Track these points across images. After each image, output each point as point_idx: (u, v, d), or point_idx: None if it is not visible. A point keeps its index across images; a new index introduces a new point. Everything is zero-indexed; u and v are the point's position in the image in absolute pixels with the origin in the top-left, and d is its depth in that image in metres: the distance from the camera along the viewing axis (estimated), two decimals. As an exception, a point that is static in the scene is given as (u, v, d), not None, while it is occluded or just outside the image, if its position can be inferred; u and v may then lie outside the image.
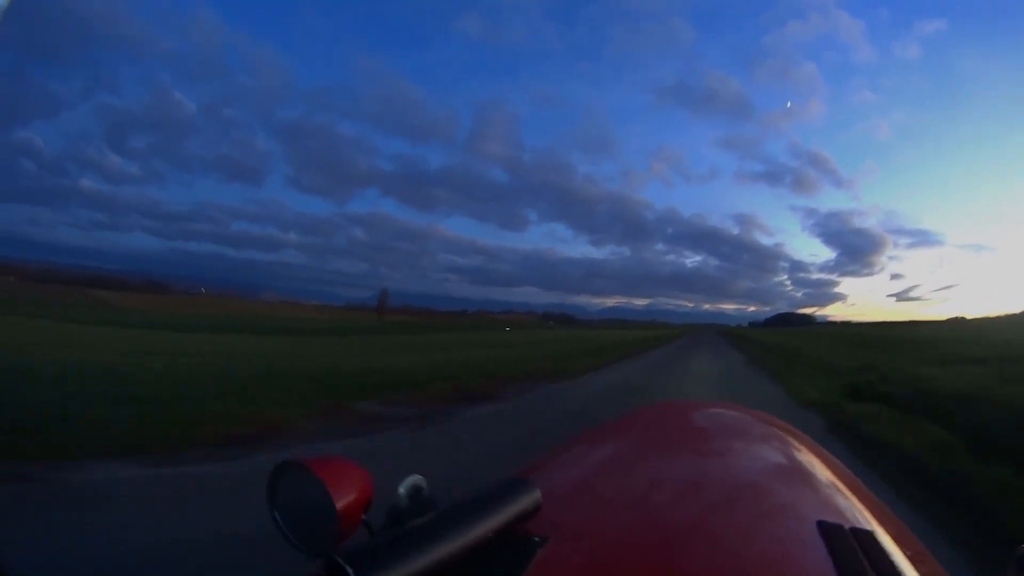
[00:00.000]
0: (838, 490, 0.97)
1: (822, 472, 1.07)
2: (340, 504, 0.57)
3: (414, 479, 0.61)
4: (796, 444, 1.24)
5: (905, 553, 0.71)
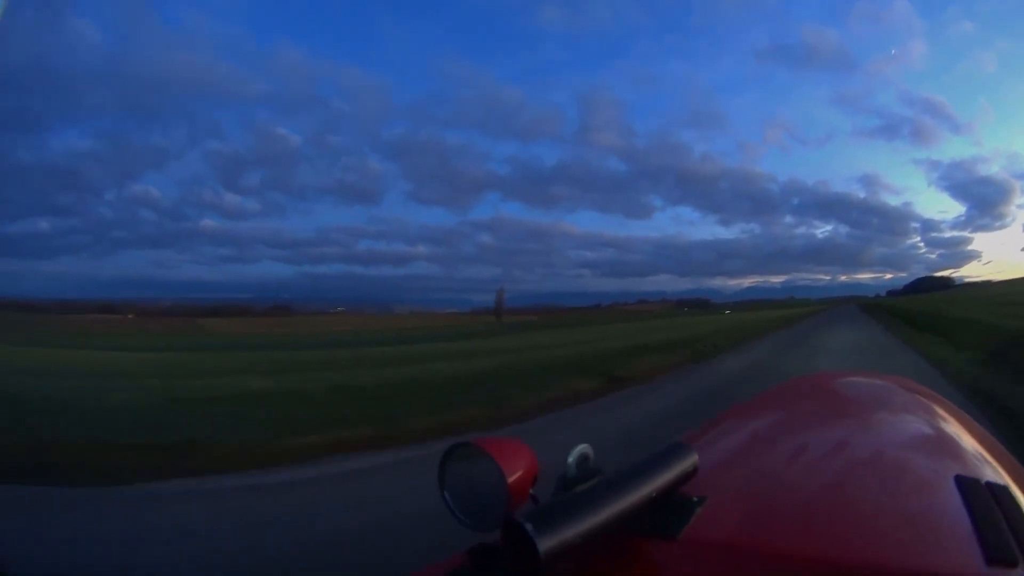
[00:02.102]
0: (975, 449, 1.00)
1: (959, 432, 1.12)
2: (511, 479, 0.63)
3: (581, 448, 0.66)
4: (935, 407, 1.29)
5: None
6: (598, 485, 0.60)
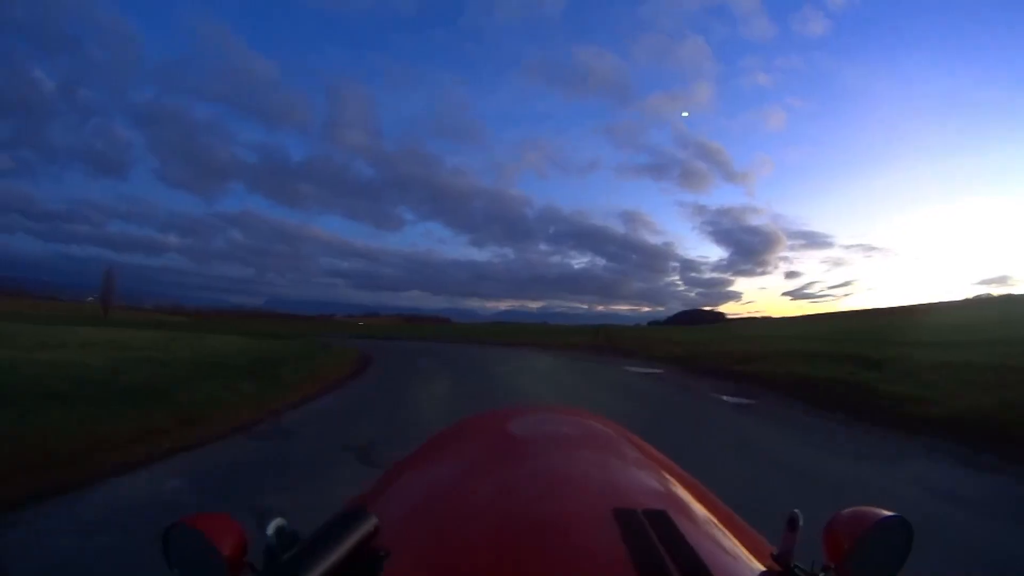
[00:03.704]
0: (641, 476, 1.08)
1: (629, 461, 1.18)
2: (224, 552, 0.68)
3: (277, 521, 0.68)
4: (607, 438, 1.34)
5: (704, 527, 0.84)
6: (299, 552, 0.64)
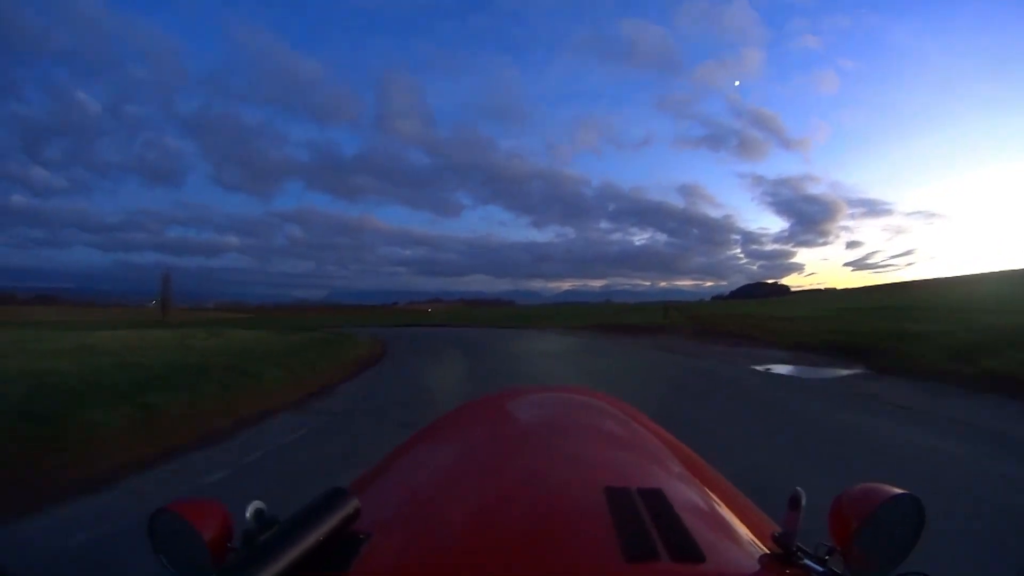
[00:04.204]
0: (641, 455, 1.05)
1: (629, 439, 1.16)
2: (207, 537, 0.71)
3: (255, 504, 0.69)
4: (611, 416, 1.31)
5: (702, 507, 0.82)
6: (275, 535, 0.64)
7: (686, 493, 0.85)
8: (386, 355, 16.04)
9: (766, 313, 30.58)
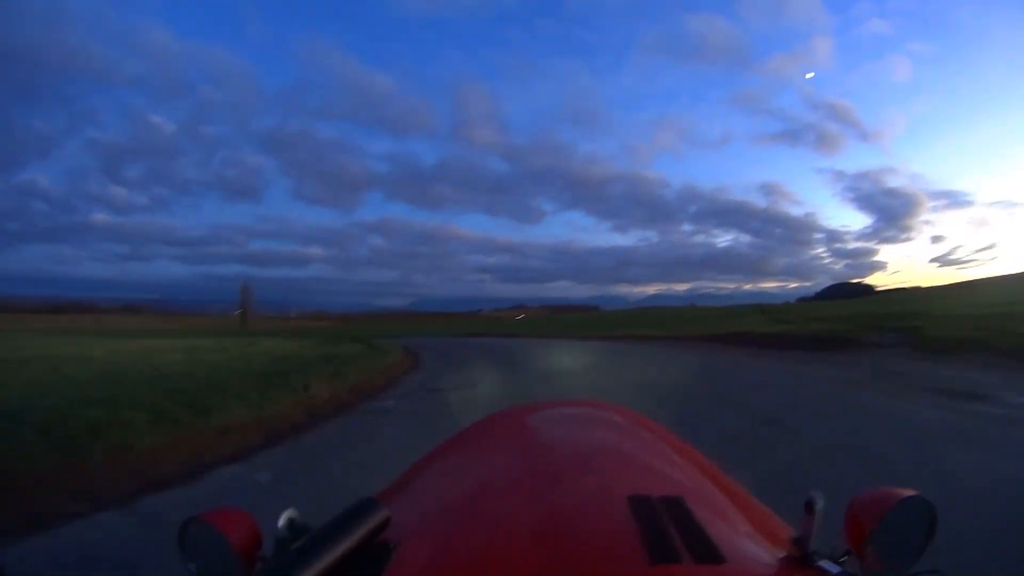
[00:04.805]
0: (660, 463, 1.07)
1: (648, 448, 1.18)
2: (236, 546, 0.73)
3: (288, 512, 0.71)
4: (628, 428, 1.35)
5: (721, 513, 0.84)
6: (307, 543, 0.65)
7: (705, 499, 0.88)
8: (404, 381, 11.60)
9: (920, 310, 24.12)
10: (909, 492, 0.71)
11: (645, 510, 0.75)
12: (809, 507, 0.69)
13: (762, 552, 0.73)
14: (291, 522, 0.73)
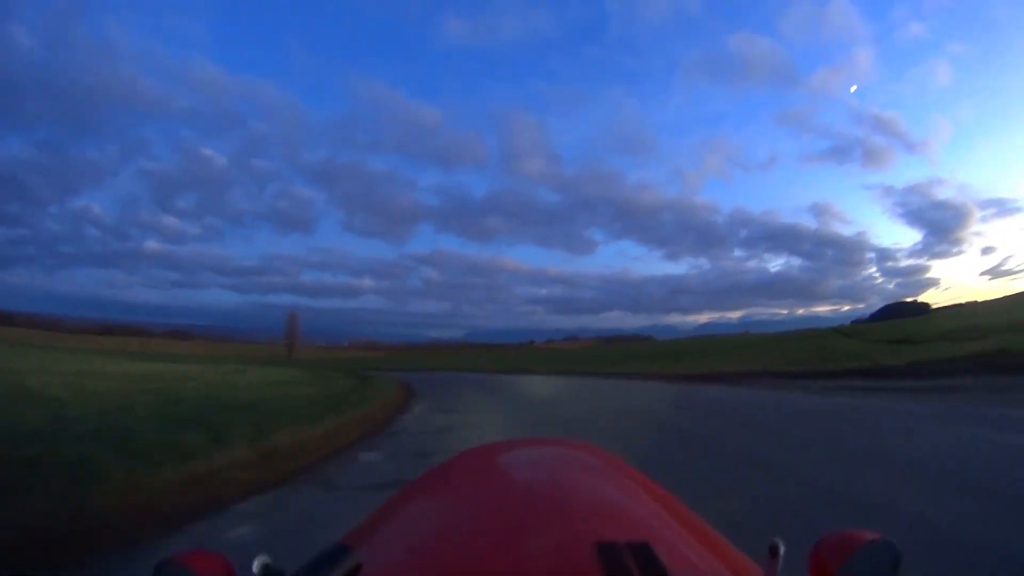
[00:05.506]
0: (629, 506, 1.06)
1: (619, 491, 1.16)
2: None
3: (262, 558, 0.71)
4: (602, 470, 1.33)
5: (688, 557, 0.83)
6: None
7: (673, 543, 0.88)
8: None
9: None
10: (874, 535, 0.71)
11: (611, 557, 0.74)
12: (773, 551, 0.71)
13: None
14: (265, 567, 0.71)
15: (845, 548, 0.70)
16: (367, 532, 1.10)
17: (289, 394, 12.10)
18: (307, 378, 18.31)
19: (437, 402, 14.85)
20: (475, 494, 1.17)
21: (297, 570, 0.67)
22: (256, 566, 0.70)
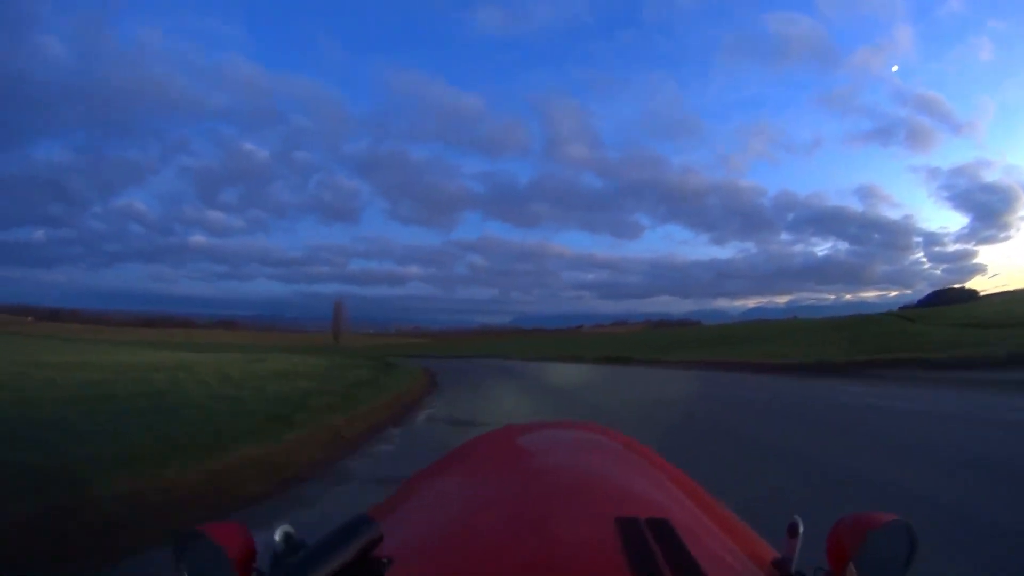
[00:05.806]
0: (647, 486, 1.09)
1: (636, 471, 1.20)
2: (233, 559, 0.73)
3: (284, 527, 0.71)
4: (618, 451, 1.37)
5: (706, 535, 0.85)
6: (303, 558, 0.66)
7: (691, 521, 0.89)
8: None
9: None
10: (891, 516, 0.72)
11: (632, 531, 0.76)
12: (792, 530, 0.75)
13: (744, 572, 0.76)
14: (287, 537, 0.72)
15: (862, 530, 0.71)
16: (392, 506, 1.16)
17: (275, 390, 10.34)
18: (320, 369, 16.95)
19: (457, 407, 11.43)
20: (496, 474, 1.21)
21: (319, 539, 0.68)
22: (278, 535, 0.70)
